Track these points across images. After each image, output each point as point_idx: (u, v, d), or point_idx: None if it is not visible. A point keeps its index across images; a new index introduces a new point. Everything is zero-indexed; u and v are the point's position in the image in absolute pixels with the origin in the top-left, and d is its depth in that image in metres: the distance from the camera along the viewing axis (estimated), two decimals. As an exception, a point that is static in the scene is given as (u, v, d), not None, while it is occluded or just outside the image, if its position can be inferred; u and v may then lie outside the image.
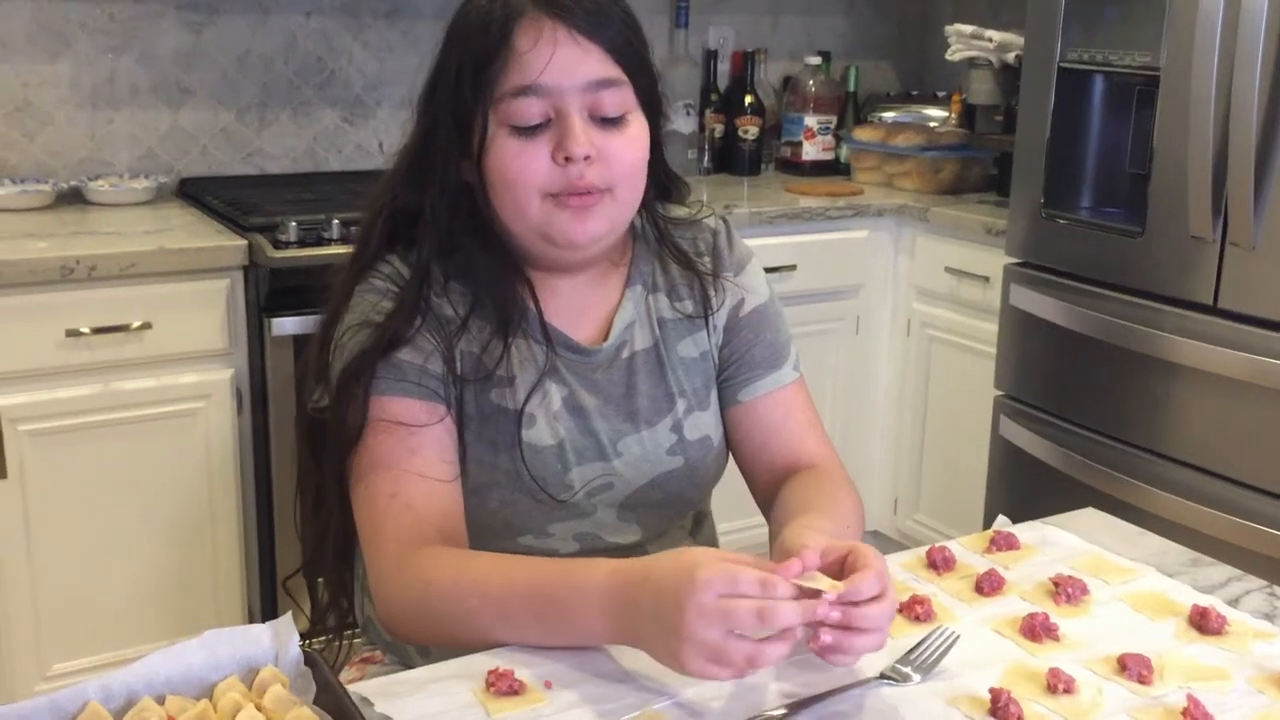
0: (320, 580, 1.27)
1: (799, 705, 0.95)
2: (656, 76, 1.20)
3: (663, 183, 1.28)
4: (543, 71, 1.11)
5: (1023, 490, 2.56)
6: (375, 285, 1.18)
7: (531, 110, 1.12)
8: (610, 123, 1.14)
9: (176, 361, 2.22)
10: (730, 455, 1.32)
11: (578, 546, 1.23)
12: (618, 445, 1.22)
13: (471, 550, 1.13)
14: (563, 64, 1.11)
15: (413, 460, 1.13)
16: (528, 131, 1.12)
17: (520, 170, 1.13)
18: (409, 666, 1.16)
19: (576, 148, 1.11)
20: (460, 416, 1.18)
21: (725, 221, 1.33)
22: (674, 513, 1.29)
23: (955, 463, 2.85)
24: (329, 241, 2.27)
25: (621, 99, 1.14)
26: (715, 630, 0.89)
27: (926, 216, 2.86)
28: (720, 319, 1.29)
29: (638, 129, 1.17)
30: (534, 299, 1.20)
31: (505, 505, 1.19)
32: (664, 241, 1.28)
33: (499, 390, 1.18)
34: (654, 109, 1.20)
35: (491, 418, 1.18)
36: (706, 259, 1.30)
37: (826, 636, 0.92)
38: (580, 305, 1.24)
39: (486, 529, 1.19)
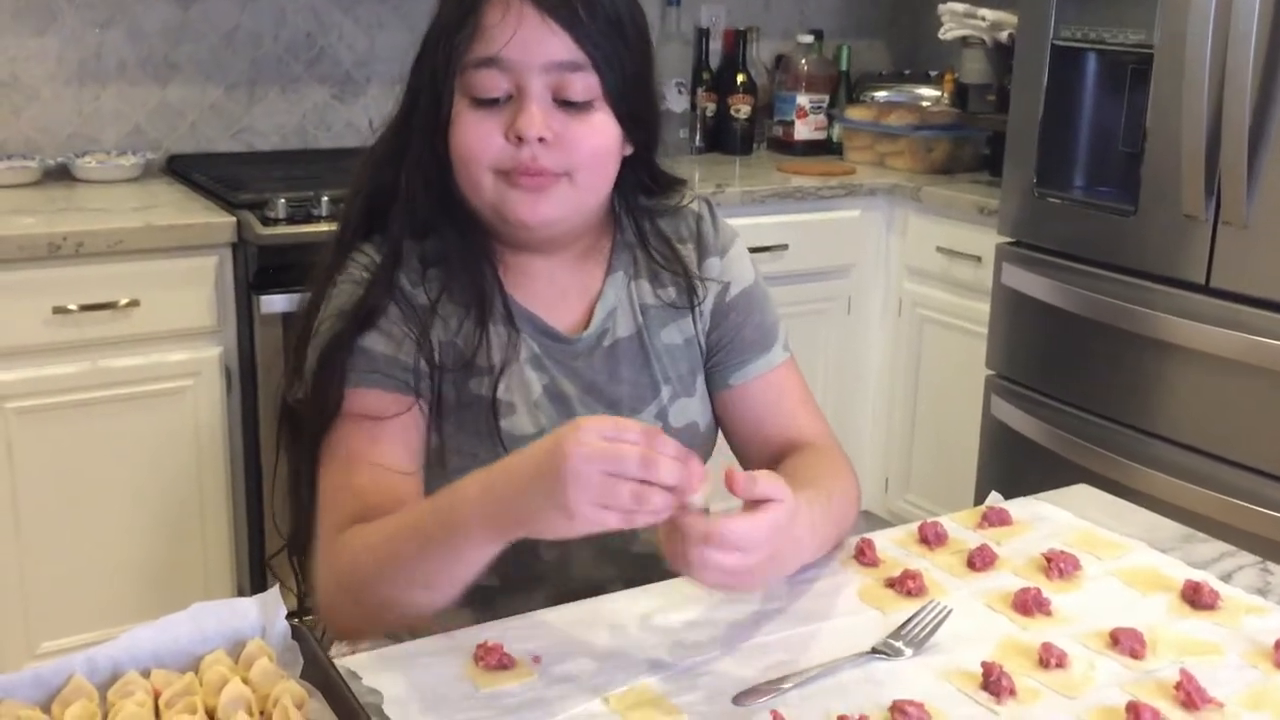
0: (297, 561, 1.26)
1: (790, 679, 0.94)
2: (636, 81, 1.15)
3: (647, 184, 1.24)
4: (505, 45, 1.09)
5: (1014, 470, 2.56)
6: (352, 275, 1.16)
7: (492, 83, 1.10)
8: (574, 107, 1.11)
9: (164, 339, 2.20)
10: (719, 440, 1.30)
11: None
12: None
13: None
14: (526, 41, 1.09)
15: (372, 450, 1.11)
16: (487, 104, 1.11)
17: (473, 144, 1.11)
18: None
19: (529, 129, 1.09)
20: (439, 406, 1.16)
21: (708, 203, 1.30)
22: None
23: (946, 442, 2.85)
24: (318, 219, 2.26)
25: (588, 86, 1.11)
26: (597, 467, 0.87)
27: (919, 196, 2.85)
28: (707, 305, 1.27)
29: (603, 118, 1.13)
30: (502, 284, 1.18)
31: None
32: (645, 240, 1.25)
33: (478, 379, 1.16)
34: (629, 112, 1.15)
35: (472, 407, 1.16)
36: (690, 245, 1.27)
37: (697, 530, 0.90)
38: (559, 290, 1.22)
39: None
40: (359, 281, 1.15)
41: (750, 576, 0.96)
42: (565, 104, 1.11)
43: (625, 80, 1.14)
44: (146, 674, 0.86)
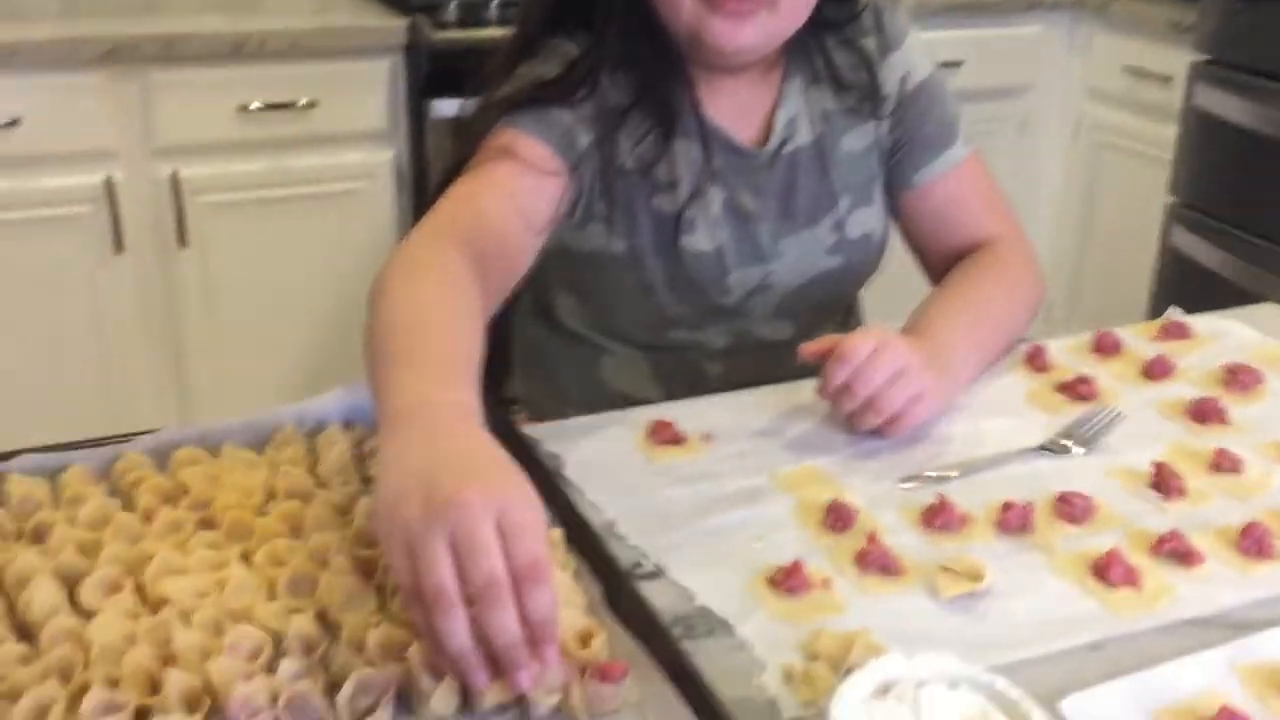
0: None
1: (957, 468, 0.95)
2: None
3: None
4: None
5: (1191, 303, 2.45)
6: (550, 59, 1.14)
7: None
8: None
9: (340, 140, 2.27)
10: (900, 243, 1.29)
11: (728, 340, 1.22)
12: (777, 245, 1.19)
13: (465, 280, 0.92)
14: None
15: (510, 182, 1.05)
16: None
17: None
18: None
19: None
20: (624, 218, 1.15)
21: None
22: (829, 311, 1.28)
23: (1118, 272, 2.76)
24: (489, 23, 2.27)
25: None
26: (479, 531, 0.67)
27: (1107, 10, 2.69)
28: (889, 104, 1.23)
29: None
30: (694, 101, 1.16)
31: (664, 306, 1.18)
32: (824, 44, 1.21)
33: (659, 196, 1.15)
34: None
35: (653, 221, 1.16)
36: (872, 38, 1.22)
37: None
38: (742, 103, 1.19)
39: (641, 322, 1.20)
40: (558, 64, 1.13)
41: (895, 397, 0.98)
42: None
43: None
44: (348, 426, 0.93)
